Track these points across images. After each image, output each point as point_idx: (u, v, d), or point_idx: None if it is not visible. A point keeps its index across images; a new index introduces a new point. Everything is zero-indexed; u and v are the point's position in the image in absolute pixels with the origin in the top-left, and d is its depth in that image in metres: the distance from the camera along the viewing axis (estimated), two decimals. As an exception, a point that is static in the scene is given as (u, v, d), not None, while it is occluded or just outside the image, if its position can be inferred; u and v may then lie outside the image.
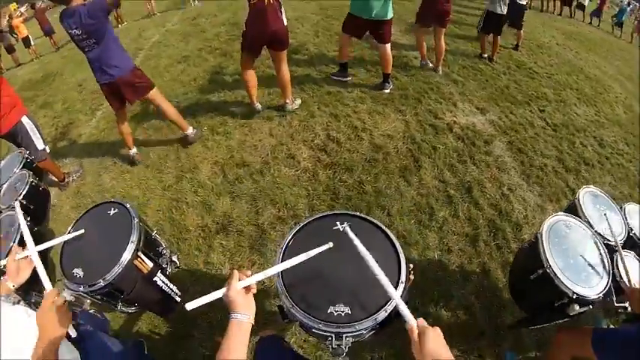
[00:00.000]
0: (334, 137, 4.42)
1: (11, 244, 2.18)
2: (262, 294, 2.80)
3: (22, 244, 1.94)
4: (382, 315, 1.42)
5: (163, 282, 2.28)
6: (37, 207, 2.71)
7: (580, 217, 2.40)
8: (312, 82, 5.59)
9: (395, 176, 3.92)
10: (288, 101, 4.77)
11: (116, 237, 2.03)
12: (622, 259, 2.10)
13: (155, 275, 2.19)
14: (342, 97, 5.21)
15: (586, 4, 15.41)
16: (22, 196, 2.57)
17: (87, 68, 3.93)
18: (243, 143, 4.42)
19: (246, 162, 4.12)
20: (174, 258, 2.67)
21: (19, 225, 2.15)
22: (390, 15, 4.71)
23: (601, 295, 1.98)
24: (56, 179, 4.18)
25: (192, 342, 2.70)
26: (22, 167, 2.91)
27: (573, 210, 2.53)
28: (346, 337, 1.39)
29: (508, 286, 2.80)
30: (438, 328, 1.08)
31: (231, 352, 1.12)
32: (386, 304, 1.43)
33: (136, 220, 2.09)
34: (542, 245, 2.10)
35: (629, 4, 18.28)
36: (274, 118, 4.76)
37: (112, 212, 2.16)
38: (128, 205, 2.17)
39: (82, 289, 1.85)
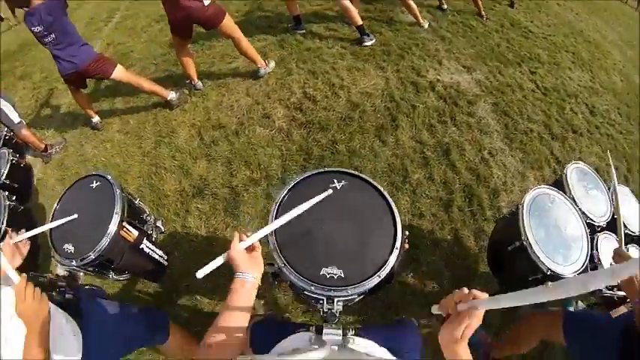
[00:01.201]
0: (311, 95, 4.21)
1: (0, 226, 2.33)
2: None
3: (10, 223, 2.22)
4: (375, 280, 1.41)
5: (150, 248, 2.40)
6: (20, 184, 2.84)
7: (565, 193, 2.34)
8: (292, 39, 5.30)
9: (370, 136, 3.73)
10: (260, 66, 4.47)
11: (101, 209, 2.10)
12: (622, 230, 1.96)
13: (141, 243, 2.31)
14: (321, 53, 4.92)
15: None
16: (4, 176, 2.69)
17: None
18: (219, 104, 4.30)
19: (222, 123, 4.04)
20: (159, 223, 2.79)
21: (3, 207, 2.38)
22: None
23: (576, 273, 1.95)
24: (37, 151, 4.20)
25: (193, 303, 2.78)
26: (2, 146, 3.03)
27: (559, 185, 2.46)
28: (337, 300, 1.41)
29: (486, 255, 2.74)
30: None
31: (233, 308, 1.12)
32: (380, 268, 1.42)
33: (118, 191, 2.16)
34: (522, 217, 2.07)
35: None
36: (250, 77, 4.58)
37: (94, 185, 2.23)
38: (109, 177, 2.22)
39: (74, 263, 1.95)
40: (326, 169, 1.75)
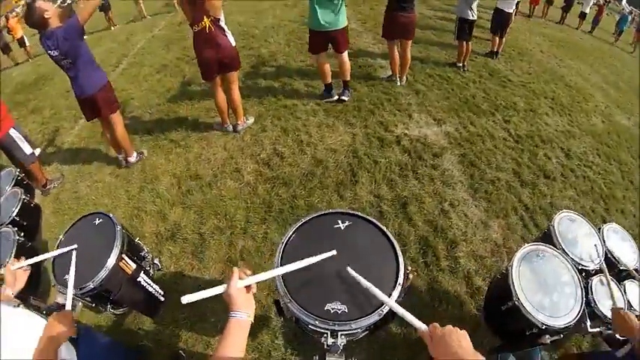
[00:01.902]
0: (280, 152, 4.44)
1: (8, 260, 2.39)
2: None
3: (17, 256, 2.15)
4: (377, 316, 1.45)
5: (147, 282, 2.54)
6: (29, 222, 2.94)
7: (555, 245, 2.40)
8: (272, 95, 5.64)
9: (329, 191, 3.86)
10: (239, 122, 4.86)
11: (102, 244, 2.27)
12: (608, 281, 2.10)
13: (139, 276, 2.44)
14: (296, 110, 5.19)
15: (587, 12, 15.18)
16: (15, 213, 2.81)
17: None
18: (199, 156, 4.56)
19: (199, 175, 4.27)
20: (156, 261, 2.98)
21: (12, 241, 2.54)
22: (342, 24, 4.68)
23: (571, 324, 1.98)
24: (38, 184, 4.37)
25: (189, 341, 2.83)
26: (14, 185, 3.12)
27: (548, 237, 2.53)
28: (341, 334, 1.44)
29: (483, 312, 2.75)
30: (449, 326, 1.10)
31: (230, 349, 1.11)
32: (382, 305, 1.46)
33: (119, 227, 2.35)
34: (512, 277, 2.12)
35: (630, 12, 17.95)
36: (230, 133, 4.89)
37: (97, 222, 2.41)
38: (111, 215, 2.42)
39: (73, 292, 1.99)
40: (331, 210, 1.85)
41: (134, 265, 2.41)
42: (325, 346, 1.44)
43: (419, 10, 6.20)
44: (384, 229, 1.75)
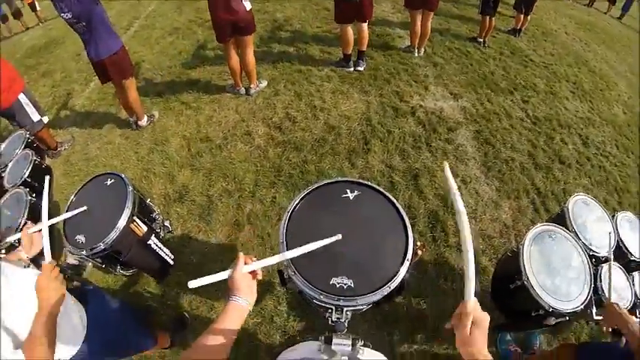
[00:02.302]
0: (292, 116, 4.38)
1: (20, 220, 2.41)
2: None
3: (30, 218, 2.31)
4: (385, 291, 1.40)
5: (157, 245, 2.57)
6: (41, 184, 2.89)
7: (567, 227, 2.36)
8: (286, 60, 5.52)
9: (341, 157, 3.81)
10: (252, 85, 4.81)
11: (113, 204, 2.27)
12: (610, 274, 1.99)
13: (149, 238, 2.47)
14: (310, 75, 5.09)
15: None
16: (26, 175, 2.80)
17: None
18: (210, 119, 4.54)
19: (210, 137, 4.26)
20: (167, 223, 3.01)
21: (25, 202, 2.51)
22: None
23: (578, 309, 1.98)
24: (48, 148, 4.40)
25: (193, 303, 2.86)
26: (24, 147, 3.13)
27: (561, 219, 2.48)
28: (346, 310, 1.40)
29: (490, 289, 2.72)
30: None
31: (223, 329, 1.09)
32: (390, 280, 1.41)
33: (130, 188, 2.34)
34: (523, 257, 2.12)
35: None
36: (242, 95, 4.83)
37: (108, 182, 2.41)
38: (123, 176, 2.42)
39: (84, 252, 2.09)
40: (339, 178, 1.77)
41: (145, 228, 2.41)
42: (330, 322, 1.39)
43: (441, -20, 5.96)
44: (394, 201, 1.67)
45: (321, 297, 1.38)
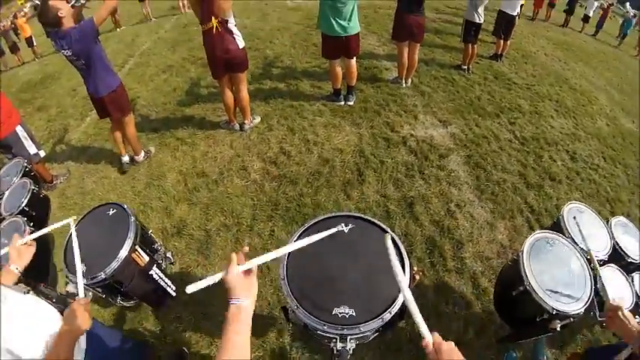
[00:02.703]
0: (286, 150, 4.47)
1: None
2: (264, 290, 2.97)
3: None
4: (386, 317, 1.45)
5: (159, 275, 2.58)
6: (38, 213, 2.95)
7: (564, 234, 2.43)
8: (278, 96, 5.67)
9: (336, 190, 3.88)
10: (246, 121, 4.91)
11: (115, 234, 2.29)
12: (594, 272, 2.11)
13: (151, 269, 2.48)
14: (302, 110, 5.22)
15: (591, 15, 15.15)
16: (24, 204, 2.80)
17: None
18: (205, 154, 4.60)
19: (206, 172, 4.31)
20: (169, 254, 3.05)
21: (23, 231, 2.47)
22: (355, 30, 4.71)
23: (581, 310, 2.01)
24: (44, 181, 4.38)
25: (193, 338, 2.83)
26: (22, 176, 3.13)
27: (557, 227, 2.57)
28: (350, 339, 1.43)
29: (493, 300, 2.81)
30: (452, 342, 1.07)
31: (233, 336, 1.08)
32: (390, 306, 1.46)
33: (133, 218, 2.37)
34: (523, 262, 2.17)
35: (634, 15, 17.89)
36: (236, 131, 4.92)
37: (110, 212, 2.44)
38: (125, 206, 2.45)
39: (84, 282, 1.98)
40: (333, 214, 1.84)
41: (147, 258, 2.43)
42: (335, 351, 1.44)
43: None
44: (388, 230, 1.75)
45: (325, 327, 1.43)
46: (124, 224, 2.34)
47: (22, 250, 1.80)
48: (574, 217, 2.50)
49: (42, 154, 4.28)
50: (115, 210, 2.45)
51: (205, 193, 4.03)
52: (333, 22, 4.53)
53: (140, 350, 2.41)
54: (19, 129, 4.02)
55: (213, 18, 3.92)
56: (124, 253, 2.21)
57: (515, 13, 7.33)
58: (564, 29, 14.26)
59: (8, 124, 3.91)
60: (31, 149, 4.12)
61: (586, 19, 15.16)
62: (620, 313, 1.68)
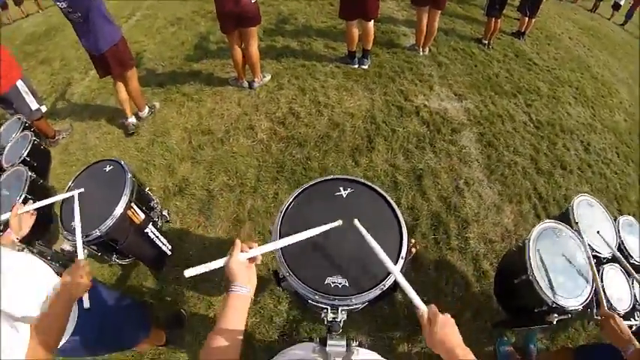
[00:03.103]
0: (295, 111, 4.33)
1: (20, 196, 2.36)
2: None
3: (24, 201, 2.26)
4: (379, 291, 1.41)
5: (154, 234, 2.53)
6: (39, 164, 2.92)
7: (571, 226, 2.38)
8: (290, 54, 5.47)
9: (344, 155, 3.76)
10: (256, 79, 4.79)
11: (112, 191, 2.24)
12: (595, 276, 2.06)
13: (147, 227, 2.44)
14: (314, 70, 5.04)
15: (622, 3, 14.60)
16: (25, 154, 2.79)
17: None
18: (212, 111, 4.49)
19: (211, 130, 4.20)
20: (165, 212, 3.00)
21: (25, 179, 2.45)
22: None
23: (580, 306, 2.01)
24: (46, 137, 4.33)
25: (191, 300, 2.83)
26: (23, 130, 3.08)
27: (565, 218, 2.51)
28: (342, 309, 1.41)
29: (493, 285, 2.77)
30: (448, 315, 1.05)
31: (229, 323, 1.06)
32: (384, 279, 1.42)
33: (129, 175, 2.31)
34: (528, 252, 2.13)
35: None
36: (245, 89, 4.77)
37: (107, 169, 2.38)
38: (122, 162, 2.38)
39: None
40: (333, 176, 1.78)
41: (143, 215, 2.38)
42: (326, 322, 1.39)
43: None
44: (389, 198, 1.70)
45: (316, 297, 1.39)
46: (120, 181, 2.28)
47: (23, 218, 1.81)
48: (597, 232, 2.41)
49: (43, 109, 4.19)
50: (111, 166, 2.39)
51: (210, 151, 3.94)
52: None
53: (139, 309, 2.36)
54: (19, 84, 3.93)
55: None
56: (119, 210, 2.15)
57: None
58: (592, 14, 13.75)
59: (9, 79, 3.83)
60: (32, 105, 4.04)
61: (616, 6, 14.62)
62: (612, 321, 1.74)
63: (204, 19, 6.96)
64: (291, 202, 1.66)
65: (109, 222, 2.09)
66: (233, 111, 4.44)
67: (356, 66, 5.15)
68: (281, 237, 1.47)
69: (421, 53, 5.70)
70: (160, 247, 2.63)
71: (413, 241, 1.58)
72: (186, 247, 3.11)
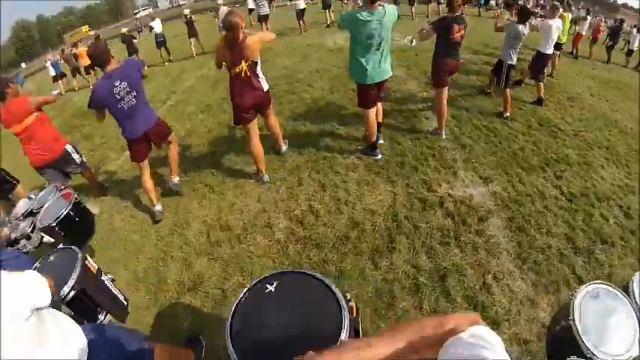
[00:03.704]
0: (315, 209, 4.35)
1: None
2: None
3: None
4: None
5: (110, 283, 2.60)
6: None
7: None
8: (312, 145, 5.62)
9: (363, 257, 3.68)
10: (282, 145, 5.32)
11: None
12: None
13: (102, 275, 2.51)
14: (335, 163, 5.13)
15: (635, 49, 14.51)
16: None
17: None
18: (232, 206, 4.60)
19: (230, 226, 4.27)
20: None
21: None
22: (390, 72, 4.72)
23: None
24: (96, 186, 5.13)
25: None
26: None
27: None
28: None
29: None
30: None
31: None
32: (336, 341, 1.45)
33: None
34: (575, 299, 1.96)
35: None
36: (266, 184, 4.88)
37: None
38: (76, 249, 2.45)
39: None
40: (256, 279, 1.85)
41: (96, 266, 2.48)
42: None
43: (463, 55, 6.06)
44: (311, 272, 1.79)
45: None
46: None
47: None
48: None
49: (85, 162, 4.84)
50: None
51: (227, 248, 3.96)
52: (370, 70, 4.48)
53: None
54: (67, 146, 4.52)
55: (243, 62, 4.06)
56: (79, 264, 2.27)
57: (549, 52, 7.15)
58: (608, 65, 13.69)
59: (59, 142, 4.46)
60: (78, 159, 4.63)
61: (629, 52, 14.59)
62: None
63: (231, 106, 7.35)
64: (231, 324, 1.66)
65: (75, 275, 2.18)
66: (252, 207, 4.50)
67: (379, 157, 5.18)
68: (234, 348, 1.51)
69: (443, 136, 5.75)
70: (118, 297, 2.66)
71: (349, 296, 1.67)
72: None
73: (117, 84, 3.77)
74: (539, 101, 7.30)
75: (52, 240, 2.91)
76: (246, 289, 1.80)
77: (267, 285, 1.76)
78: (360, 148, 5.41)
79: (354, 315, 1.66)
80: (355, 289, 3.35)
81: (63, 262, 2.36)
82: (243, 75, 4.13)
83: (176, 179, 4.80)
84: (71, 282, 2.16)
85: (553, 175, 5.14)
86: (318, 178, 4.86)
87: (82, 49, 15.17)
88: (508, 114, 6.53)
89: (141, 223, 4.51)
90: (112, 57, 3.85)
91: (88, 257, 2.43)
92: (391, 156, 5.23)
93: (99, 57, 3.83)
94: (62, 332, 1.61)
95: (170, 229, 4.34)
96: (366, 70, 4.46)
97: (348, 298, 1.65)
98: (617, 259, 3.88)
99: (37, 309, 1.51)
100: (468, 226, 4.05)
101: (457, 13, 5.07)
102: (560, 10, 7.13)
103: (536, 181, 4.95)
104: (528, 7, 8.42)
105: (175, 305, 3.44)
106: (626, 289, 2.25)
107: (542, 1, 21.34)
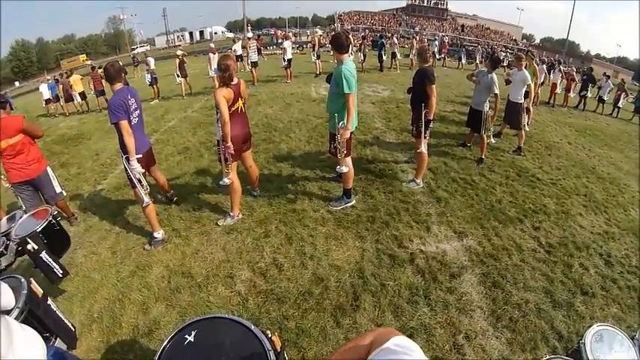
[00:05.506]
0: (279, 262, 4.18)
1: None
2: None
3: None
4: None
5: (55, 307, 2.57)
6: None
7: None
8: (283, 196, 5.53)
9: (326, 315, 3.46)
10: (257, 188, 5.53)
11: None
12: None
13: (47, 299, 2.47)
14: (304, 216, 4.98)
15: (606, 98, 15.15)
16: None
17: (111, 137, 4.86)
18: (196, 253, 4.45)
19: (192, 273, 4.11)
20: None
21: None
22: None
23: None
24: (67, 216, 5.19)
25: None
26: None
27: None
28: None
29: None
30: None
31: None
32: None
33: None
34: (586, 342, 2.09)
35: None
36: (232, 232, 4.75)
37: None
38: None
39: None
40: (172, 332, 1.77)
41: (41, 290, 2.44)
42: None
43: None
44: (225, 315, 1.79)
45: None
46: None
47: None
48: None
49: (64, 193, 5.07)
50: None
51: (186, 296, 3.78)
52: (356, 115, 4.77)
53: None
54: (49, 170, 4.78)
55: (240, 99, 4.42)
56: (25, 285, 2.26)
57: (519, 100, 7.28)
58: (585, 113, 14.15)
59: (41, 164, 4.66)
60: (57, 188, 4.87)
61: (601, 100, 15.16)
62: None
63: (209, 151, 7.42)
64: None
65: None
66: (217, 255, 4.35)
67: (352, 202, 5.19)
68: None
69: (421, 184, 5.73)
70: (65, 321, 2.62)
71: (269, 331, 1.70)
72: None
73: (129, 97, 4.16)
74: (518, 150, 7.35)
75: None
76: (165, 342, 1.71)
77: (186, 336, 1.70)
78: (330, 202, 5.32)
79: (279, 350, 1.64)
80: (314, 348, 3.12)
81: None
82: (239, 111, 4.47)
83: (159, 234, 4.76)
84: (20, 303, 2.12)
85: (531, 226, 5.03)
86: (286, 230, 4.71)
87: (75, 78, 15.84)
88: (483, 156, 6.64)
89: (103, 262, 4.39)
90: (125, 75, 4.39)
91: (33, 281, 2.38)
92: (363, 210, 5.09)
93: (116, 72, 4.18)
94: (29, 338, 1.63)
95: (131, 270, 4.20)
96: (354, 116, 4.69)
97: (269, 335, 1.65)
98: (599, 309, 3.71)
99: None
100: (439, 283, 3.85)
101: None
102: (524, 61, 7.31)
103: (514, 233, 4.83)
104: (500, 57, 8.67)
105: (127, 351, 3.25)
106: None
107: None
